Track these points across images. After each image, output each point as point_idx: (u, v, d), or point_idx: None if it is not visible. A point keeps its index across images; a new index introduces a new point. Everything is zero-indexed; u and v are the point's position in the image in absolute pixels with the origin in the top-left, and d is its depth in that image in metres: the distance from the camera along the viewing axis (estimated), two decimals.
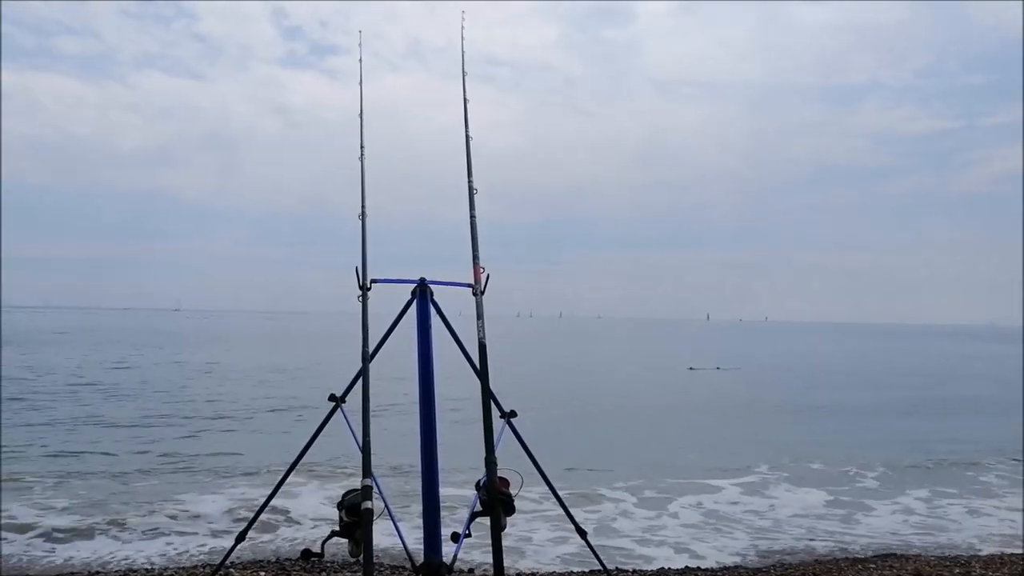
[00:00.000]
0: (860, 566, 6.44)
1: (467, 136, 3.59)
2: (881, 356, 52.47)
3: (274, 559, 6.61)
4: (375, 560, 2.47)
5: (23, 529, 7.69)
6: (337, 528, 2.84)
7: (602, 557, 4.05)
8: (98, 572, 6.20)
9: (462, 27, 4.02)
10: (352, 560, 6.22)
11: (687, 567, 6.62)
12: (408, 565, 6.02)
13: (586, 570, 6.31)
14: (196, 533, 7.80)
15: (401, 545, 3.08)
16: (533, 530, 7.84)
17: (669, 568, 6.58)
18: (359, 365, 2.91)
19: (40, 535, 7.54)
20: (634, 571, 6.36)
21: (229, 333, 72.90)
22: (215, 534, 7.74)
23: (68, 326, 76.79)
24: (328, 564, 6.36)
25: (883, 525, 8.72)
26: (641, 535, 8.10)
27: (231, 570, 5.95)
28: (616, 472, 11.15)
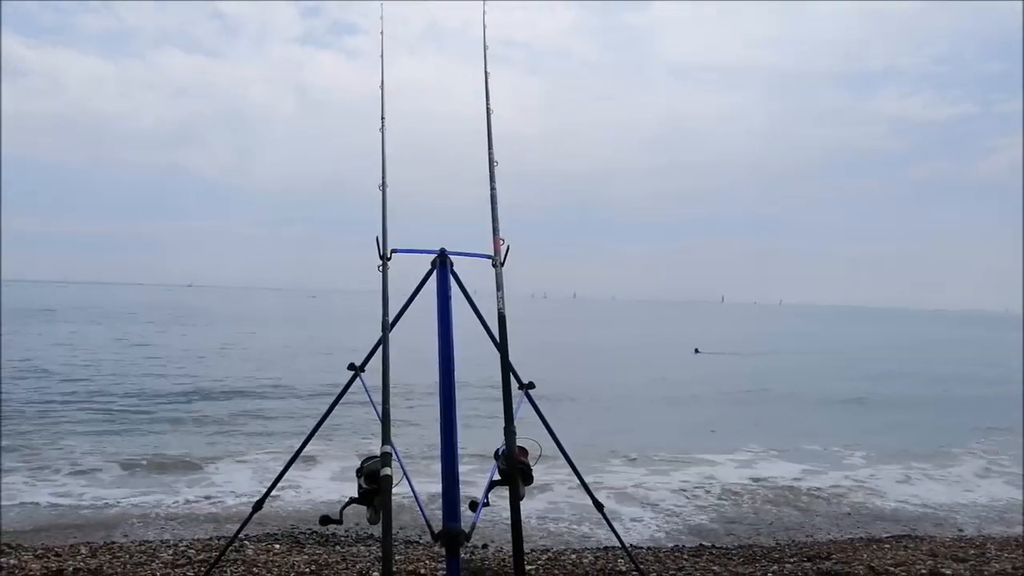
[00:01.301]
0: (875, 546, 6.44)
1: (488, 109, 3.58)
2: (886, 341, 51.94)
3: (288, 531, 6.67)
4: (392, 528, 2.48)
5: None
6: (356, 495, 2.85)
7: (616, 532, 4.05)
8: (114, 543, 6.25)
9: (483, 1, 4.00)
10: (366, 535, 6.34)
11: (701, 545, 6.63)
12: (426, 533, 6.10)
13: (601, 545, 6.34)
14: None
15: (419, 512, 3.08)
16: (550, 504, 7.91)
17: (684, 546, 6.60)
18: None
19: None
20: (649, 548, 6.37)
21: (265, 311, 73.37)
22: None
23: (103, 302, 77.08)
24: (343, 537, 6.41)
25: (899, 505, 8.73)
26: (649, 512, 8.16)
27: (246, 542, 6.00)
28: (610, 449, 11.26)
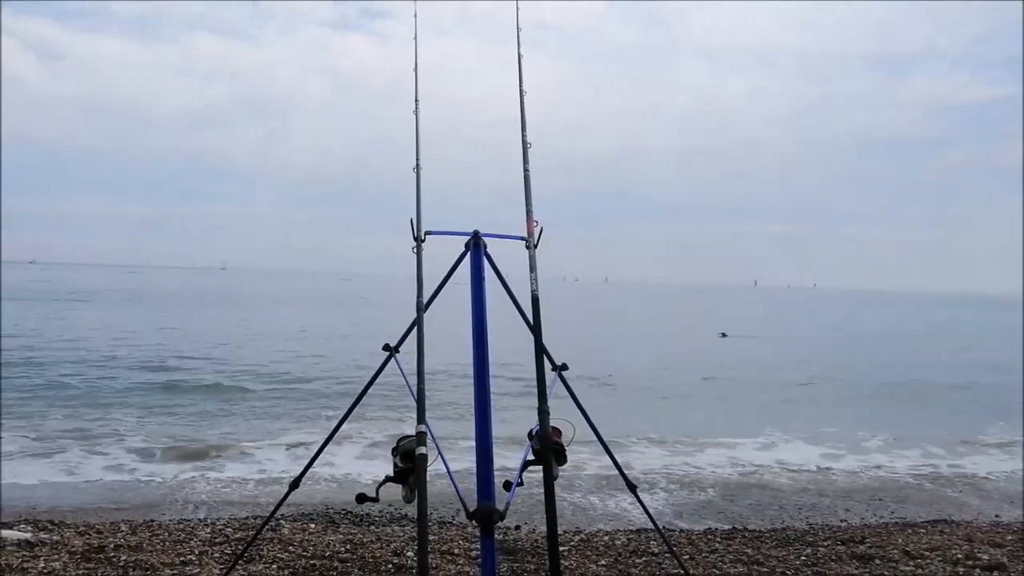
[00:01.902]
0: (910, 531, 6.39)
1: (521, 91, 3.58)
2: (915, 327, 50.97)
3: (323, 510, 6.76)
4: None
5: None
6: (391, 474, 2.89)
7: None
8: (153, 521, 6.38)
9: None
10: (399, 515, 6.41)
11: (734, 528, 6.62)
12: (460, 514, 6.15)
13: (634, 527, 6.35)
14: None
15: (452, 492, 3.11)
16: (582, 485, 7.95)
17: (716, 528, 6.59)
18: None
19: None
20: (681, 531, 6.38)
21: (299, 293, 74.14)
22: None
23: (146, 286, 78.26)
24: (377, 517, 6.49)
25: (934, 489, 8.66)
26: (679, 494, 8.18)
27: (281, 522, 6.09)
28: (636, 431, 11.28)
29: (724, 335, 33.90)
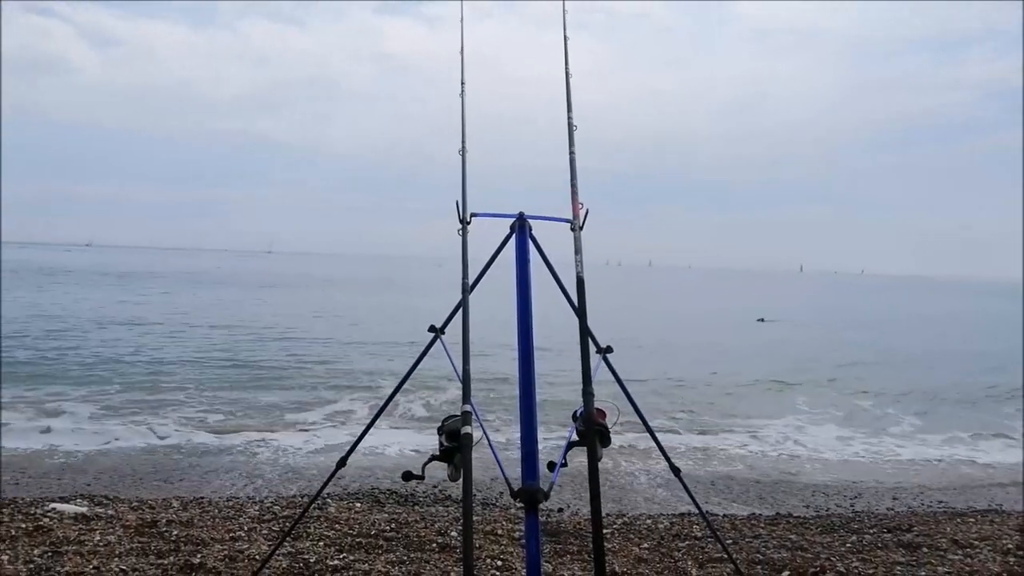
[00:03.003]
0: (959, 520, 6.29)
1: (567, 72, 3.57)
2: (962, 315, 49.51)
3: (369, 490, 6.85)
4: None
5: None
6: (437, 452, 2.92)
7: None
8: (203, 497, 6.53)
9: None
10: (443, 496, 6.48)
11: (778, 514, 6.58)
12: (504, 495, 6.20)
13: (677, 511, 6.35)
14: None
15: (496, 474, 3.14)
16: (625, 468, 7.96)
17: (760, 514, 6.56)
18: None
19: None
20: (725, 515, 6.35)
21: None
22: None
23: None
24: (421, 498, 6.57)
25: (983, 476, 8.52)
26: (722, 479, 8.15)
27: (328, 500, 6.20)
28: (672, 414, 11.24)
29: (761, 320, 33.68)
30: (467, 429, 2.58)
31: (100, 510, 5.70)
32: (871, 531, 5.77)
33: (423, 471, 2.95)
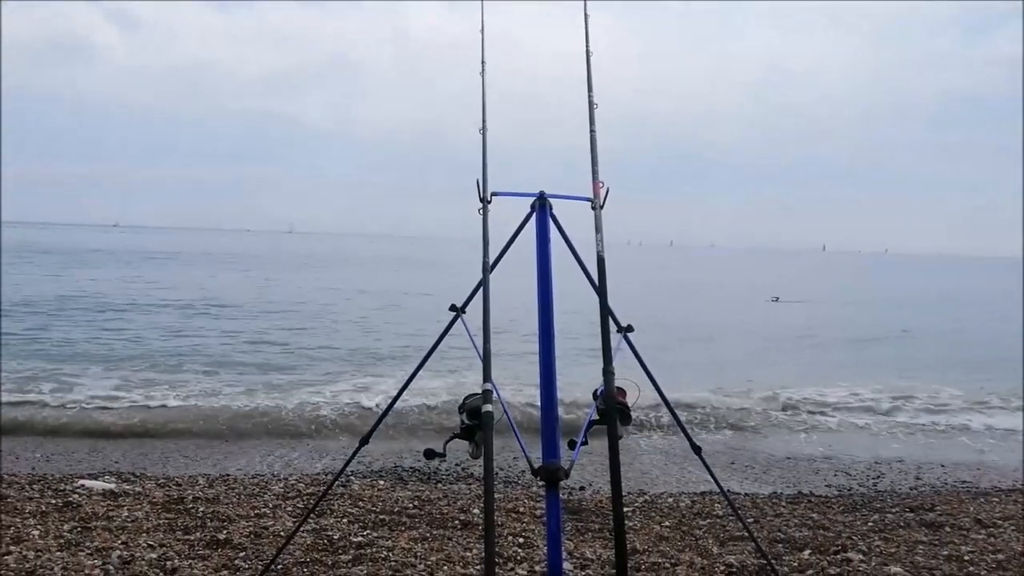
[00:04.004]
0: (983, 499, 6.26)
1: (587, 51, 3.55)
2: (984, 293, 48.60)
3: (392, 468, 6.92)
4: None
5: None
6: (458, 431, 2.94)
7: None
8: (228, 475, 6.62)
9: None
10: (466, 474, 6.53)
11: (800, 492, 6.58)
12: (525, 473, 6.24)
13: (699, 490, 6.36)
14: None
15: (517, 452, 3.16)
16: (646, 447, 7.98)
17: (782, 492, 6.56)
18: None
19: None
20: (747, 494, 6.36)
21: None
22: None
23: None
24: (444, 476, 6.63)
25: (1007, 456, 8.45)
26: (743, 457, 8.15)
27: (352, 478, 6.27)
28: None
29: (776, 299, 33.50)
30: (488, 407, 2.60)
31: (128, 487, 5.80)
32: (893, 510, 5.76)
33: (444, 449, 2.98)
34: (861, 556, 4.55)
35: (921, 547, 4.77)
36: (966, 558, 4.56)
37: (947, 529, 5.19)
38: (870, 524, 5.31)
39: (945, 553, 4.66)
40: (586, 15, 3.68)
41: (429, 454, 3.04)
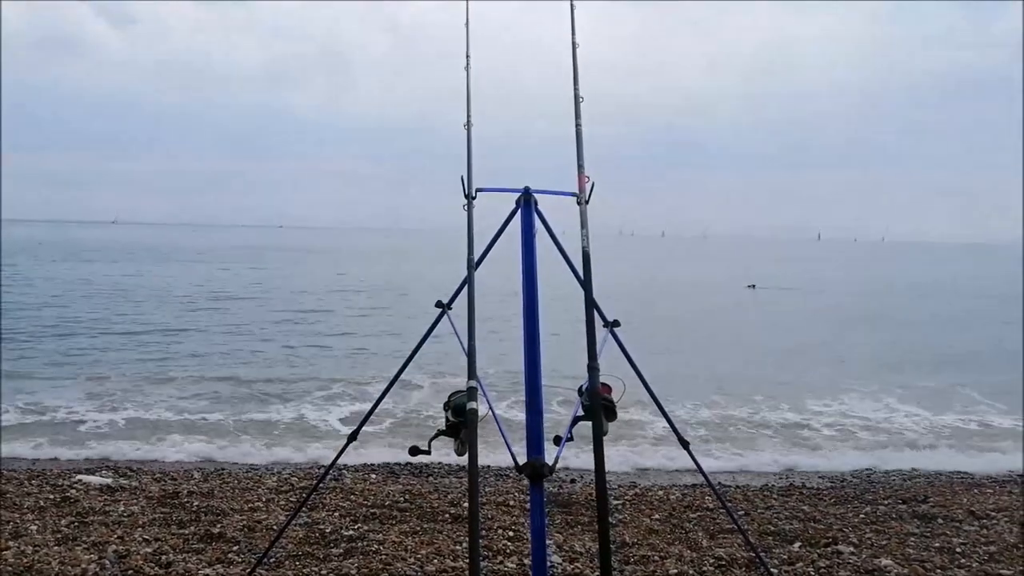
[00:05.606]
0: (976, 490, 6.26)
1: (573, 43, 3.53)
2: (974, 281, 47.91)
3: (384, 462, 6.93)
4: (479, 462, 2.56)
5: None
6: (443, 428, 2.94)
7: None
8: (223, 469, 6.64)
9: None
10: (457, 468, 6.54)
11: (791, 484, 6.59)
12: (511, 467, 6.25)
13: (688, 483, 6.37)
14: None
15: (504, 446, 3.16)
16: (636, 441, 7.99)
17: (773, 485, 6.57)
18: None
19: None
20: (737, 487, 6.37)
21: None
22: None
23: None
24: (435, 469, 6.64)
25: (1000, 447, 8.46)
26: (734, 450, 8.17)
27: (344, 471, 6.29)
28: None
29: (752, 287, 33.56)
30: (472, 404, 2.60)
31: (124, 481, 5.82)
32: (886, 502, 5.77)
33: (429, 446, 2.98)
34: (852, 548, 4.56)
35: (913, 539, 4.78)
36: (958, 550, 4.57)
37: (939, 521, 5.21)
38: (862, 516, 5.32)
39: (937, 545, 4.67)
40: (572, 5, 3.64)
41: (414, 451, 3.03)
